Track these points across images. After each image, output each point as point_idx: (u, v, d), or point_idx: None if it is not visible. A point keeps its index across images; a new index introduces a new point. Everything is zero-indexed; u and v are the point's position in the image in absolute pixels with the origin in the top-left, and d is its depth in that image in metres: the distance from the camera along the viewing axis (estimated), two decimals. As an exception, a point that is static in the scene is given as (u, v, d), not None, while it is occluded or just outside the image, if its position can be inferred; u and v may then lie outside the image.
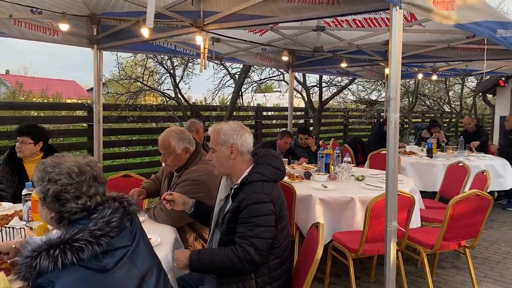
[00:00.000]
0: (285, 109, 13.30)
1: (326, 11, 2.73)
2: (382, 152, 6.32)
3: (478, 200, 3.36)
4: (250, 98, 10.23)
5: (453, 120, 15.45)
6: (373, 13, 4.47)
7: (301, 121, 11.93)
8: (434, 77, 8.12)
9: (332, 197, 3.76)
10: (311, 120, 10.45)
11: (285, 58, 5.55)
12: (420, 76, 7.69)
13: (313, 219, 3.71)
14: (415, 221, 4.01)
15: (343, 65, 5.81)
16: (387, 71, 6.42)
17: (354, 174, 4.55)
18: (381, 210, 3.20)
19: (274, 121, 12.17)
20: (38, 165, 1.57)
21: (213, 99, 9.76)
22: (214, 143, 2.31)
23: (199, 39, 3.55)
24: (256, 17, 3.16)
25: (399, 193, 3.07)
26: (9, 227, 2.29)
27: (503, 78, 10.75)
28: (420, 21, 4.49)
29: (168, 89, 8.39)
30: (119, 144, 8.09)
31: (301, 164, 5.24)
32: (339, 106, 13.12)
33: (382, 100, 13.51)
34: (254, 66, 8.67)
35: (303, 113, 11.80)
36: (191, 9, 3.42)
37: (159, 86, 8.49)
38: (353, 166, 5.06)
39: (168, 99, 8.27)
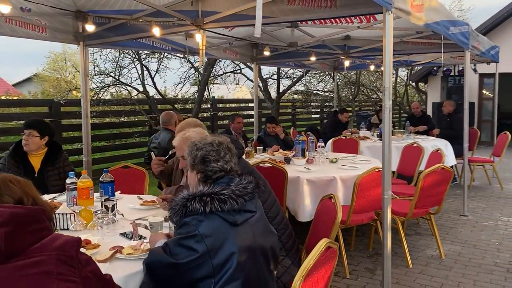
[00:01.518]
0: (243, 100, 13.79)
1: (325, 14, 3.15)
2: (342, 137, 6.95)
3: (442, 173, 3.99)
4: (214, 90, 10.53)
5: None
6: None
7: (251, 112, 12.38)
8: (371, 67, 8.76)
9: (317, 177, 4.22)
10: (270, 110, 10.95)
11: (266, 53, 5.90)
12: (372, 67, 8.42)
13: (302, 197, 4.16)
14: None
15: (313, 58, 6.31)
16: (346, 63, 7.03)
17: (327, 157, 5.07)
18: (366, 184, 3.73)
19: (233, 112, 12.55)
20: (189, 143, 2.15)
21: (175, 92, 9.91)
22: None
23: (198, 37, 3.83)
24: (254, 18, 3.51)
25: (379, 169, 3.61)
26: (60, 214, 2.50)
27: (435, 68, 11.86)
28: (375, 22, 5.05)
29: (135, 83, 8.49)
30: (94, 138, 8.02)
31: (276, 151, 5.66)
32: (289, 97, 13.75)
33: (327, 91, 14.32)
34: (219, 59, 8.97)
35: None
36: (190, 9, 3.69)
37: (128, 81, 8.54)
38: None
39: (137, 93, 8.33)
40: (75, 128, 7.85)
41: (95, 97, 7.95)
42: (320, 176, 4.24)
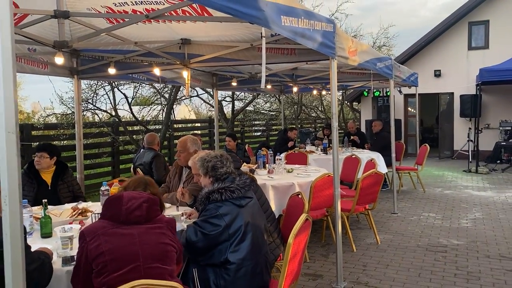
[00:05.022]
0: (197, 121, 14.73)
1: (286, 59, 4.21)
2: (293, 152, 8.06)
3: (375, 176, 5.17)
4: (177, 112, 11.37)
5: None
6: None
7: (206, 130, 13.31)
8: (314, 91, 10.10)
9: (279, 183, 5.23)
10: (225, 129, 11.92)
11: (234, 84, 6.90)
12: (315, 91, 9.69)
13: (268, 200, 5.15)
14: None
15: (268, 86, 7.39)
16: (295, 89, 8.20)
17: (285, 168, 6.12)
18: (320, 187, 4.80)
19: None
20: (198, 159, 2.97)
21: (140, 114, 10.58)
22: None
23: (185, 74, 4.74)
24: (232, 60, 4.51)
25: (330, 174, 4.71)
26: (99, 213, 3.30)
27: (366, 90, 13.47)
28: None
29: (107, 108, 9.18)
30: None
31: (240, 165, 6.63)
32: (239, 117, 14.86)
33: (272, 111, 15.55)
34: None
35: (207, 124, 13.21)
36: (178, 51, 4.61)
37: (102, 106, 9.25)
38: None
39: (109, 117, 8.98)
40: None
41: (70, 121, 8.52)
42: (281, 182, 5.25)
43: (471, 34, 13.42)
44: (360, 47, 4.86)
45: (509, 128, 12.12)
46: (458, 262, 4.67)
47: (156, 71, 4.79)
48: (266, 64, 5.00)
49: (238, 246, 2.75)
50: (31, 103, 26.71)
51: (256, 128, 14.96)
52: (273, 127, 16.20)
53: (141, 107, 10.32)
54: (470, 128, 12.05)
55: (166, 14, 3.19)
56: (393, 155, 7.06)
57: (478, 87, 11.36)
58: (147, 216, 2.16)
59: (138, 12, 3.67)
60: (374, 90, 13.08)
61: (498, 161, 11.98)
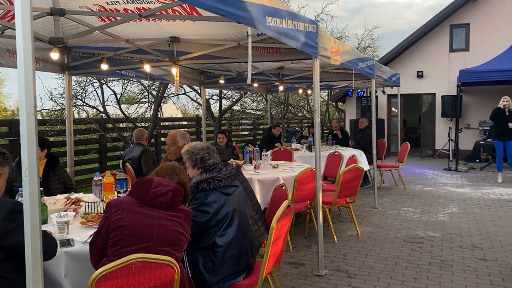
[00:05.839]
0: (184, 119, 14.88)
1: (272, 58, 4.42)
2: (279, 149, 8.29)
3: (356, 171, 5.41)
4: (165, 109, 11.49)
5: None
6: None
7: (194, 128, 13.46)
8: (300, 91, 10.38)
9: (265, 177, 5.44)
10: (212, 127, 12.09)
11: (222, 81, 7.09)
12: (300, 91, 9.93)
13: (254, 193, 5.36)
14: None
15: (255, 85, 7.59)
16: (281, 88, 8.43)
17: (271, 164, 6.33)
18: (303, 180, 5.01)
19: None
20: (185, 151, 3.05)
21: (128, 111, 10.69)
22: None
23: (174, 71, 4.92)
24: (219, 58, 4.71)
25: (312, 169, 4.93)
26: (91, 202, 3.47)
27: (350, 90, 13.76)
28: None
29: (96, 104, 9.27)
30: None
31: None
32: (226, 115, 15.04)
33: (259, 110, 15.77)
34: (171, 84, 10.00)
35: (195, 122, 13.37)
36: (167, 49, 4.79)
37: (91, 103, 9.34)
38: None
39: (98, 114, 9.09)
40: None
41: (59, 117, 8.61)
42: (267, 177, 5.46)
43: (453, 36, 13.82)
44: (342, 47, 5.09)
45: (488, 128, 12.51)
46: (433, 252, 4.94)
47: (146, 67, 4.96)
48: (253, 62, 5.22)
49: (225, 231, 2.94)
50: (14, 100, 26.50)
51: (243, 127, 15.17)
52: (261, 126, 16.43)
53: (129, 104, 10.42)
54: (450, 128, 12.42)
55: (158, 13, 3.36)
56: (374, 152, 7.32)
57: (458, 88, 11.74)
58: (170, 204, 2.34)
59: (129, 11, 3.84)
60: (358, 90, 13.39)
61: (478, 160, 12.38)
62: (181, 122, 14.75)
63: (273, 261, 2.96)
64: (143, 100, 10.55)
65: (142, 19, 3.96)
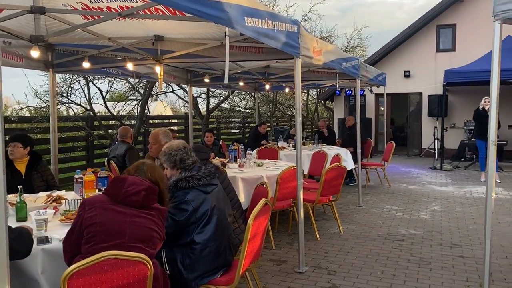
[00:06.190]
0: (172, 117, 14.87)
1: (255, 57, 4.46)
2: (265, 147, 8.34)
3: (338, 169, 5.48)
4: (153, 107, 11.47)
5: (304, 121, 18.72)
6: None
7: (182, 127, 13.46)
8: (286, 89, 10.42)
9: (249, 176, 5.48)
10: (200, 126, 12.11)
11: (206, 80, 7.11)
12: (287, 89, 9.98)
13: (238, 191, 5.38)
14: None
15: (241, 83, 7.62)
16: (267, 87, 8.47)
17: (255, 162, 6.37)
18: (286, 178, 5.06)
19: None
20: (162, 153, 3.04)
21: (114, 109, 10.67)
22: None
23: (158, 69, 4.94)
24: (203, 57, 4.74)
25: (295, 167, 4.98)
26: (71, 200, 3.48)
27: (339, 89, 13.86)
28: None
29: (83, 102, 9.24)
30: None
31: (212, 158, 6.85)
32: (215, 113, 15.06)
33: (248, 108, 15.81)
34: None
35: (183, 120, 13.37)
36: (151, 47, 4.80)
37: (77, 100, 9.30)
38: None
39: (84, 111, 9.05)
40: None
41: (44, 114, 8.57)
42: (251, 175, 5.50)
43: (439, 36, 13.98)
44: (325, 47, 5.15)
45: (473, 127, 12.68)
46: (413, 250, 5.02)
47: (129, 66, 4.98)
48: (236, 61, 5.24)
49: (203, 228, 2.98)
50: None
51: (233, 125, 15.21)
52: (251, 125, 16.46)
53: (116, 102, 10.40)
54: (435, 127, 12.57)
55: (139, 12, 3.39)
56: (359, 150, 7.40)
57: (444, 88, 11.88)
58: (143, 203, 2.38)
59: (112, 9, 3.86)
60: (346, 89, 13.49)
61: (462, 159, 12.55)
62: (171, 120, 14.74)
63: (250, 258, 3.01)
64: (131, 98, 10.55)
65: (126, 17, 3.99)
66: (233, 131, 17.57)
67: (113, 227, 2.27)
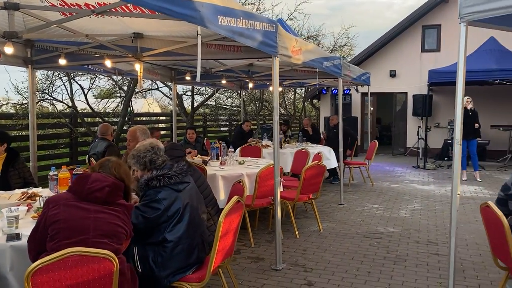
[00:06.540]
0: (157, 114, 14.86)
1: (233, 56, 4.48)
2: (249, 145, 8.36)
3: (318, 167, 5.53)
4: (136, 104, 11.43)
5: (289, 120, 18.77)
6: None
7: (166, 124, 13.42)
8: (280, 88, 10.55)
9: (229, 173, 5.51)
10: (185, 123, 12.09)
11: (188, 78, 7.11)
12: (271, 88, 10.00)
13: (217, 189, 5.42)
14: (280, 187, 6.04)
15: (223, 81, 7.63)
16: (250, 85, 8.50)
17: (237, 160, 6.40)
18: (265, 176, 5.09)
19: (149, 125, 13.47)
20: (130, 157, 3.04)
21: (98, 106, 10.62)
22: None
23: (137, 67, 4.93)
24: (182, 55, 4.75)
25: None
26: (46, 196, 3.48)
27: (325, 88, 13.94)
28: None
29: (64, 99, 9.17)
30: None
31: (195, 156, 6.86)
32: (201, 111, 15.03)
33: (234, 106, 15.83)
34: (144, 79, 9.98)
35: (170, 118, 13.35)
36: (130, 45, 4.79)
37: (58, 97, 9.24)
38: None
39: (66, 108, 8.99)
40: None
41: (26, 111, 8.48)
42: (231, 173, 5.53)
43: (425, 37, 14.11)
44: (305, 46, 5.18)
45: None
46: (389, 247, 5.09)
47: (108, 63, 4.96)
48: (219, 60, 5.23)
49: (175, 227, 3.00)
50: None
51: (221, 123, 15.23)
52: (239, 123, 16.48)
53: (99, 99, 10.36)
54: (419, 127, 12.70)
55: (112, 10, 3.39)
56: (341, 149, 7.45)
57: (429, 88, 12.01)
58: (107, 199, 2.39)
59: (90, 6, 3.84)
60: (332, 88, 13.56)
61: (446, 158, 12.70)
62: (158, 117, 14.68)
63: (221, 255, 3.03)
64: (116, 95, 10.49)
65: (104, 15, 3.98)
66: (222, 129, 17.58)
67: (76, 223, 2.28)
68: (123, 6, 3.65)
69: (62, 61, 4.82)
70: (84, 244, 2.22)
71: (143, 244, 3.04)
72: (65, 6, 3.84)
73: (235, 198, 3.04)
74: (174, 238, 2.98)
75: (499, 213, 2.88)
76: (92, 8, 3.80)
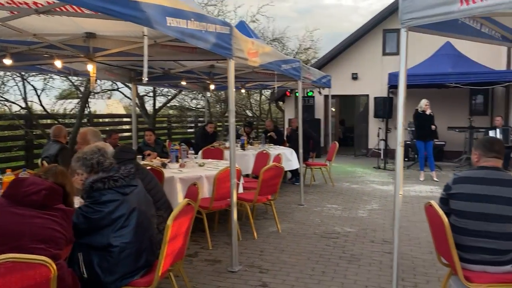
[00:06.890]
0: (118, 115, 14.55)
1: (188, 57, 4.44)
2: (211, 147, 8.33)
3: (276, 169, 5.57)
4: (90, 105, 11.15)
5: (255, 122, 18.83)
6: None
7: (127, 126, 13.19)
8: (243, 90, 10.57)
9: (188, 176, 5.46)
10: (147, 125, 11.90)
11: (144, 79, 6.99)
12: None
13: (175, 192, 5.36)
14: (240, 188, 6.05)
15: (183, 82, 7.57)
16: (212, 86, 8.47)
17: (197, 162, 6.36)
18: (223, 178, 5.08)
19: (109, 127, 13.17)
20: (76, 159, 2.95)
21: (54, 108, 10.29)
22: None
23: (89, 67, 4.82)
24: (136, 55, 4.68)
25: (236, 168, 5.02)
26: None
27: (289, 90, 14.07)
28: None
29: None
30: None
31: (154, 158, 6.77)
32: (165, 112, 14.86)
33: (200, 108, 15.74)
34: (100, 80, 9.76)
35: (129, 119, 13.13)
36: (82, 45, 4.68)
37: (11, 98, 8.90)
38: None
39: (20, 109, 8.66)
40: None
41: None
42: (190, 175, 5.48)
43: (385, 40, 14.47)
44: (262, 49, 5.21)
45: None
46: (345, 247, 5.19)
47: (58, 63, 4.83)
48: (178, 61, 5.18)
49: (120, 231, 2.92)
50: None
51: (187, 124, 15.11)
52: (199, 125, 16.41)
53: (56, 100, 10.07)
54: (380, 128, 13.01)
55: (58, 9, 3.30)
56: (301, 150, 7.53)
57: (389, 90, 12.33)
58: (43, 202, 2.32)
59: (39, 4, 3.73)
60: (296, 91, 13.69)
61: (406, 159, 13.05)
62: (121, 118, 14.37)
63: (171, 259, 3.00)
64: (73, 95, 10.22)
65: (53, 14, 3.87)
66: (188, 130, 17.43)
67: (10, 229, 2.21)
68: (74, 6, 3.57)
69: (8, 61, 4.65)
70: (20, 250, 2.15)
71: (88, 249, 2.96)
72: (14, 5, 3.72)
73: (184, 201, 3.01)
74: (120, 243, 2.91)
75: (440, 212, 2.98)
76: (41, 7, 3.70)
